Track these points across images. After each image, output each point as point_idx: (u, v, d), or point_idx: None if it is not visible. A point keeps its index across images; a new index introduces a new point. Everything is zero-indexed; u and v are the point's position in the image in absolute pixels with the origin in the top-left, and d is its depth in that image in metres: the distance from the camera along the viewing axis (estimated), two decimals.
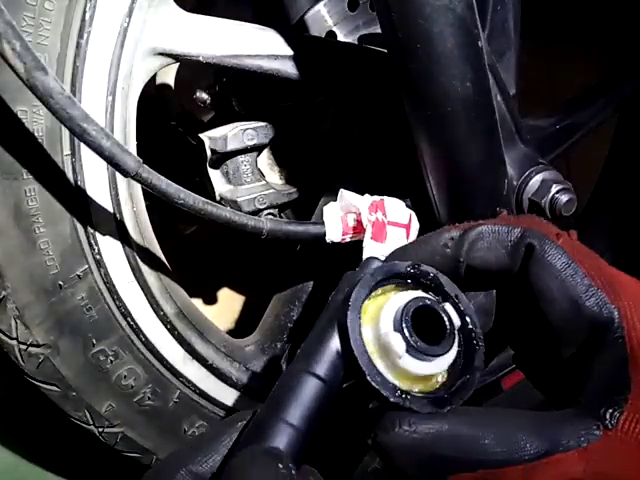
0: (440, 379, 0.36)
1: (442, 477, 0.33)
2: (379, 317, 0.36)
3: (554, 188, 0.70)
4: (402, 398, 0.34)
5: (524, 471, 0.31)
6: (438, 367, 0.35)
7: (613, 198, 1.15)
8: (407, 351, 0.34)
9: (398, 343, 0.35)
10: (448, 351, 0.35)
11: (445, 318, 0.36)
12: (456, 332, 0.36)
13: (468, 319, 0.37)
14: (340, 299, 0.38)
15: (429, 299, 0.36)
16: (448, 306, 0.37)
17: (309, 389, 0.35)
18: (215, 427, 0.37)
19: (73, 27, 0.58)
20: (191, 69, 0.92)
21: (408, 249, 0.42)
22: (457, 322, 0.37)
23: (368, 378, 0.34)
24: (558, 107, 0.93)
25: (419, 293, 0.37)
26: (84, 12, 0.59)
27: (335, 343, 0.36)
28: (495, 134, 0.65)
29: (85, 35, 0.59)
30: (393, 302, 0.36)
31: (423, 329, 0.35)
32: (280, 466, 0.31)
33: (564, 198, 0.70)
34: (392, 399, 0.34)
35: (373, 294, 0.38)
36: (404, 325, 0.35)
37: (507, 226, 0.39)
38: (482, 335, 0.37)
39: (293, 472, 0.31)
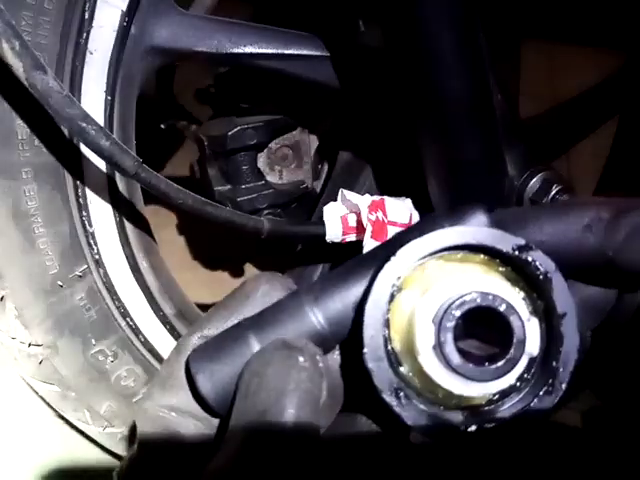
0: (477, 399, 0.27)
1: None
2: (432, 287, 0.27)
3: (554, 188, 0.70)
4: (394, 396, 0.27)
5: None
6: (470, 390, 0.27)
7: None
8: (434, 349, 0.27)
9: (426, 335, 0.27)
10: (492, 380, 0.26)
11: (515, 337, 0.26)
12: (524, 358, 0.27)
13: (562, 357, 0.27)
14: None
15: (509, 305, 0.26)
16: (533, 323, 0.27)
17: (303, 326, 0.30)
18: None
19: (72, 26, 0.58)
20: (191, 68, 0.92)
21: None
22: (534, 350, 0.27)
23: (365, 339, 0.27)
24: (559, 107, 0.93)
25: (500, 288, 0.27)
26: (83, 11, 0.58)
27: (359, 290, 0.29)
28: (495, 134, 0.65)
29: (84, 34, 0.59)
30: (459, 280, 0.27)
31: (487, 328, 0.27)
32: (301, 359, 0.28)
33: (564, 198, 0.70)
34: (381, 388, 0.27)
35: (448, 254, 0.28)
36: (447, 319, 0.26)
37: None
38: (566, 385, 0.27)
39: (314, 364, 0.28)
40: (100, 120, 0.62)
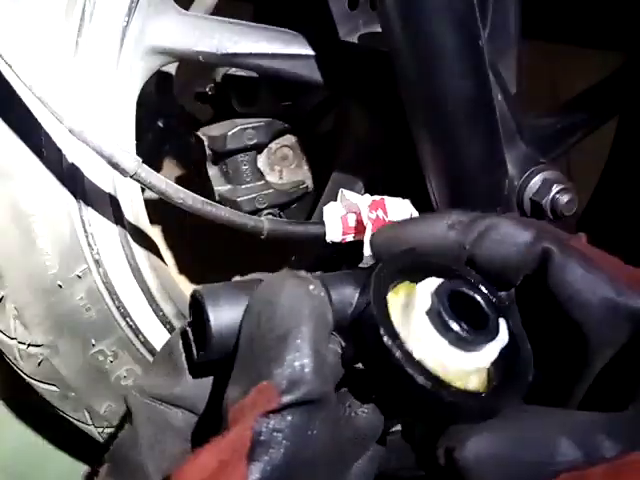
0: (470, 381, 0.30)
1: None
2: (415, 289, 0.31)
3: (555, 188, 0.70)
4: (409, 361, 0.28)
5: (605, 473, 0.28)
6: (456, 360, 0.30)
7: (614, 198, 1.15)
8: (429, 313, 0.29)
9: (424, 302, 0.30)
10: (480, 345, 0.30)
11: (490, 320, 0.31)
12: (497, 343, 0.31)
13: (519, 368, 0.32)
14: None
15: (487, 298, 0.32)
16: (502, 321, 0.32)
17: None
18: None
19: (72, 26, 0.58)
20: (190, 68, 0.92)
21: (407, 226, 0.37)
22: (504, 337, 0.31)
23: (378, 323, 0.29)
24: (559, 107, 0.93)
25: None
26: (83, 11, 0.58)
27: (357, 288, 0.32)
28: (496, 133, 0.65)
29: (84, 34, 0.59)
30: (432, 281, 0.31)
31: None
32: (311, 287, 0.30)
33: (565, 198, 0.70)
34: (395, 351, 0.28)
35: (405, 283, 0.33)
36: (444, 291, 0.30)
37: (522, 225, 0.36)
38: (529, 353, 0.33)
39: (323, 294, 0.30)
40: (100, 120, 0.62)
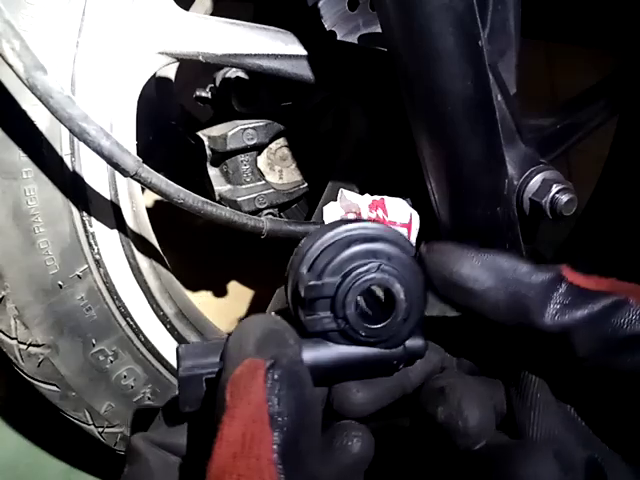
0: None
1: None
2: None
3: (555, 188, 0.70)
4: None
5: None
6: None
7: (614, 198, 1.15)
8: None
9: None
10: None
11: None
12: None
13: None
14: None
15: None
16: None
17: None
18: None
19: (72, 26, 0.58)
20: (191, 69, 0.92)
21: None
22: None
23: None
24: (558, 107, 0.93)
25: None
26: (83, 11, 0.58)
27: None
28: (495, 133, 0.65)
29: (84, 34, 0.59)
30: None
31: None
32: (278, 318, 0.35)
33: (564, 198, 0.70)
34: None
35: None
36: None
37: None
38: None
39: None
40: (100, 121, 0.62)
